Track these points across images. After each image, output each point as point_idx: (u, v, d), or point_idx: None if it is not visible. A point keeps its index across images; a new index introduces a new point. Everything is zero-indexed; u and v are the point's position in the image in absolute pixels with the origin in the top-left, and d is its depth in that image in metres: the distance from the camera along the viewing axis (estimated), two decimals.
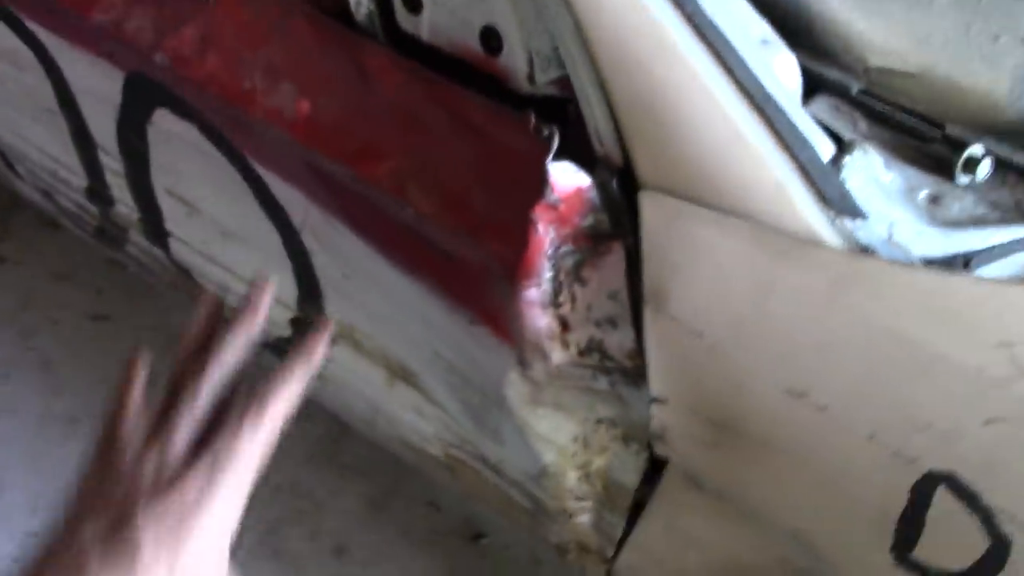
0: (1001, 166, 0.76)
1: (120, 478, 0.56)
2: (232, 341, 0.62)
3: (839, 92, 0.81)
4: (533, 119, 0.80)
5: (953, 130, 0.77)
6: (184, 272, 1.42)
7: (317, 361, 0.63)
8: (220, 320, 0.65)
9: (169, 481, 0.55)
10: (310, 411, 1.90)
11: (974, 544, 0.68)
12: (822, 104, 0.81)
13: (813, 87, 0.82)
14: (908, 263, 0.70)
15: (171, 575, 0.53)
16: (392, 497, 1.82)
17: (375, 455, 1.80)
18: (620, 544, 1.12)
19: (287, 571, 1.73)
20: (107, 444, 0.58)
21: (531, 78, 0.84)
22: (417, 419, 1.22)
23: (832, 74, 0.82)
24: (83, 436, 1.89)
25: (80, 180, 1.45)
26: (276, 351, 1.40)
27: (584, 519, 1.12)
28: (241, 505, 0.57)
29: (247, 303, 0.65)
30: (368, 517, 1.80)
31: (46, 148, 1.47)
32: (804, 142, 0.72)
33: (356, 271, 1.09)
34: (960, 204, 0.75)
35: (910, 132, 0.79)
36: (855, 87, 0.81)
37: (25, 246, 2.22)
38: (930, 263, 0.71)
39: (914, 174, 0.77)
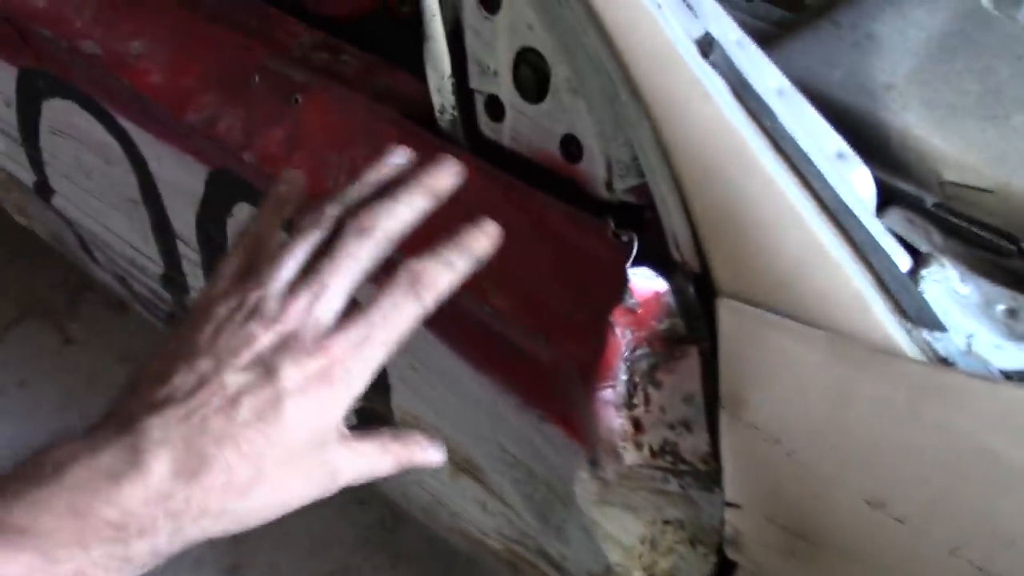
0: None
1: (264, 323, 0.54)
2: (402, 205, 0.60)
3: (913, 205, 0.83)
4: (612, 225, 0.82)
5: None
6: None
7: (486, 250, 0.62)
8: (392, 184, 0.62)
9: (318, 338, 0.54)
10: (364, 497, 1.92)
11: None
12: (896, 216, 0.83)
13: (886, 200, 0.84)
14: (989, 376, 0.70)
15: (308, 430, 0.53)
16: None
17: (429, 545, 1.80)
18: None
19: None
20: (251, 279, 0.56)
21: (609, 185, 0.86)
22: (479, 513, 1.22)
23: (906, 187, 0.83)
24: None
25: (157, 268, 1.50)
26: None
27: None
28: (372, 376, 0.56)
29: (419, 175, 0.62)
30: None
31: (125, 236, 1.52)
32: (882, 254, 0.73)
33: (425, 364, 1.11)
34: None
35: (985, 246, 0.79)
36: (929, 201, 0.82)
37: (93, 328, 2.28)
38: (1009, 376, 0.72)
39: (990, 288, 0.77)
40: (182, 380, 0.53)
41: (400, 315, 0.56)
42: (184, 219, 1.33)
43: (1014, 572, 0.68)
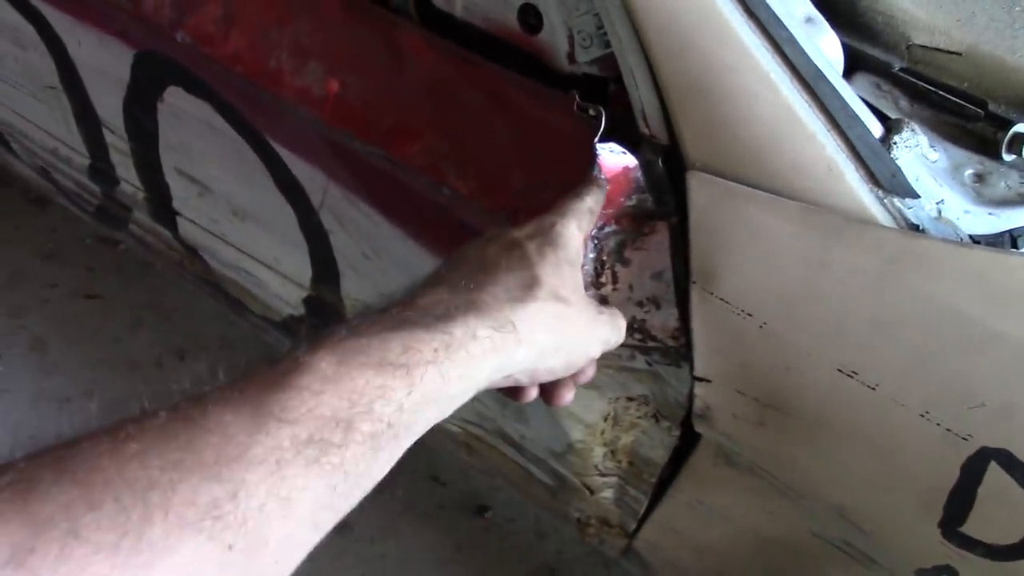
0: None
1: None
2: None
3: (880, 70, 0.81)
4: (578, 99, 0.79)
5: (996, 108, 0.78)
6: (192, 251, 1.40)
7: None
8: None
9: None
10: None
11: None
12: (862, 82, 0.81)
13: (853, 65, 0.82)
14: (959, 241, 0.70)
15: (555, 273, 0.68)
16: (395, 472, 1.81)
17: None
18: (643, 519, 1.13)
19: None
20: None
21: (571, 57, 0.83)
22: None
23: (873, 52, 0.82)
24: (77, 415, 1.88)
25: (82, 159, 1.42)
26: (287, 330, 1.39)
27: (607, 494, 1.13)
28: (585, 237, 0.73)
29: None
30: (371, 492, 1.80)
31: (46, 126, 1.44)
32: (856, 121, 0.72)
33: (379, 251, 1.09)
34: (1005, 182, 0.76)
35: (952, 110, 0.79)
36: (896, 65, 0.81)
37: (12, 224, 2.19)
38: (978, 241, 0.72)
39: (959, 152, 0.77)
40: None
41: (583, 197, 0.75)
42: (110, 106, 1.26)
43: (980, 432, 0.69)
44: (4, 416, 1.85)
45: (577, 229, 0.72)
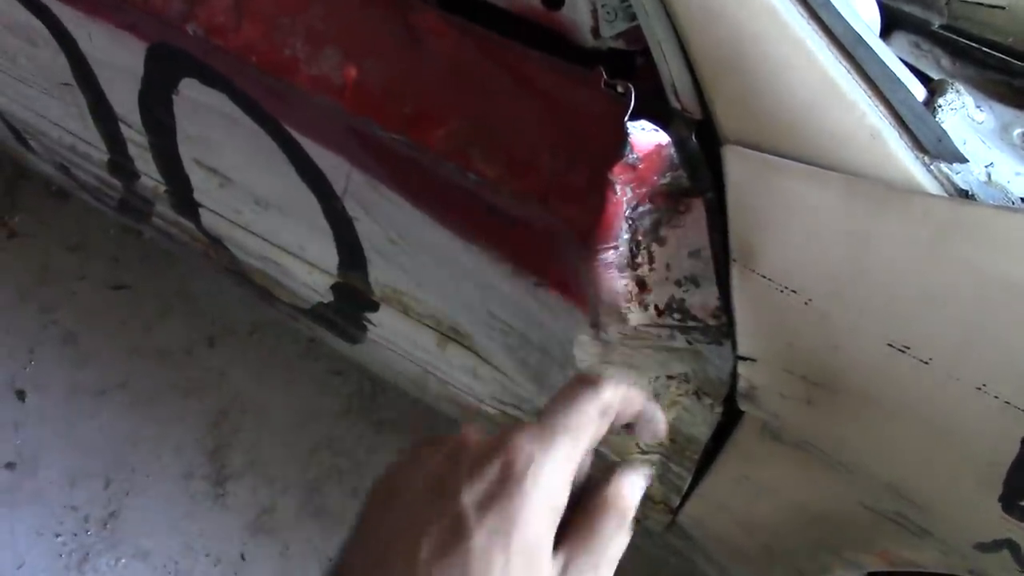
0: None
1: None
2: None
3: (919, 28, 0.78)
4: (605, 75, 0.76)
5: None
6: (216, 242, 1.38)
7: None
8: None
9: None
10: (341, 368, 1.87)
11: None
12: (901, 42, 0.78)
13: (890, 24, 0.79)
14: (1013, 206, 0.67)
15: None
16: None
17: (411, 409, 1.79)
18: (687, 495, 1.11)
19: (330, 530, 1.73)
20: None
21: (596, 32, 0.80)
22: (471, 380, 1.20)
23: (910, 9, 0.78)
24: (112, 407, 1.88)
25: (101, 154, 1.41)
26: (316, 317, 1.38)
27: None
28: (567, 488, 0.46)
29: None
30: None
31: (62, 122, 1.43)
32: (898, 85, 0.69)
33: (405, 236, 1.06)
34: None
35: (997, 67, 0.75)
36: (936, 22, 0.77)
37: (35, 219, 2.18)
38: None
39: (1006, 111, 0.74)
40: None
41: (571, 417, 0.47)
42: (125, 100, 1.24)
43: None
44: (39, 411, 1.86)
45: (564, 464, 0.45)
